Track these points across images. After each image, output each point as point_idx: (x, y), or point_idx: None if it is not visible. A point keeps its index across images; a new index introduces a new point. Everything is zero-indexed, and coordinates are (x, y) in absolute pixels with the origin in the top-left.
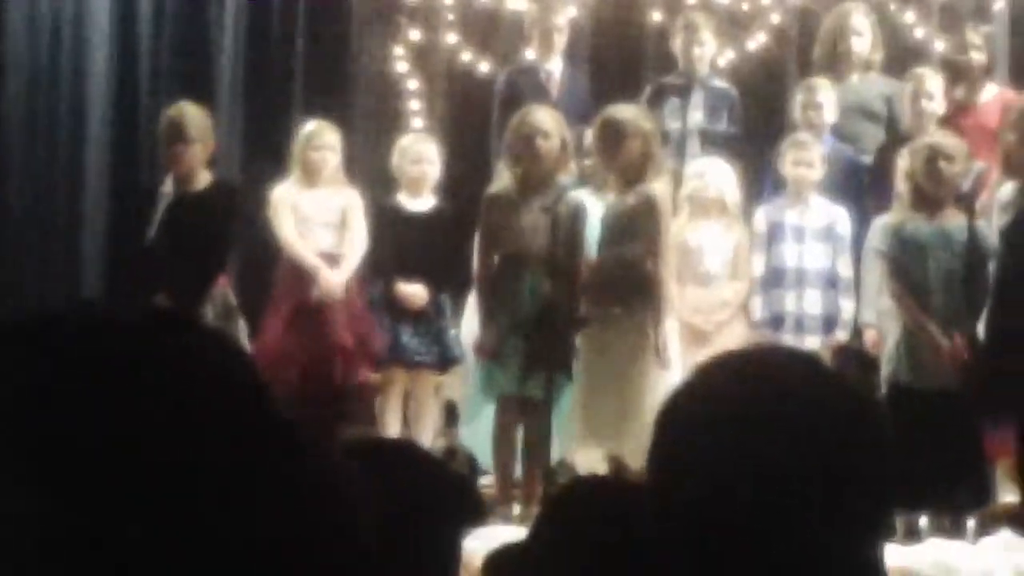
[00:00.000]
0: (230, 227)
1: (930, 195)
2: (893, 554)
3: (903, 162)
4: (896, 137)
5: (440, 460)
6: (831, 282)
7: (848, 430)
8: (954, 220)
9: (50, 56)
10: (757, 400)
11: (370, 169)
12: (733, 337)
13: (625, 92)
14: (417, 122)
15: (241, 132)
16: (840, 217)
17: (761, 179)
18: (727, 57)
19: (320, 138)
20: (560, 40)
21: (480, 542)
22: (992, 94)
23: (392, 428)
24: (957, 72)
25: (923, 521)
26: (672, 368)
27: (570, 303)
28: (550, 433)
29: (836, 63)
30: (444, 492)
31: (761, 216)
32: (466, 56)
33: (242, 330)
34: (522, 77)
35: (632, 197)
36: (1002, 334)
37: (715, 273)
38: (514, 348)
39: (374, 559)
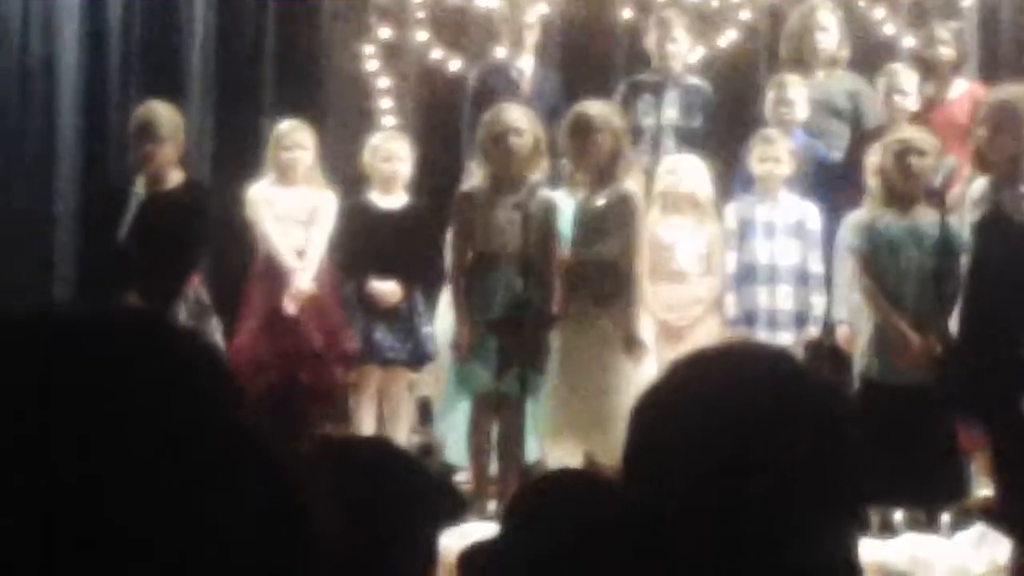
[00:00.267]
0: (202, 226)
1: (901, 191)
2: (868, 549)
3: (874, 158)
4: (862, 134)
5: (415, 457)
6: (803, 278)
7: (818, 425)
8: (925, 216)
9: (19, 55)
10: (730, 396)
11: (341, 167)
12: (706, 334)
13: (596, 89)
14: (388, 120)
15: (212, 131)
16: (810, 213)
17: (732, 176)
18: (698, 54)
19: (291, 137)
20: (531, 37)
21: (455, 539)
22: (962, 90)
23: (366, 426)
24: (926, 68)
25: (898, 516)
26: (646, 365)
27: (543, 300)
28: (524, 430)
29: (802, 59)
30: (421, 489)
31: (732, 213)
32: (436, 54)
33: (216, 329)
34: (493, 75)
35: (606, 195)
36: (974, 329)
37: (688, 269)
38: (488, 345)
39: (325, 560)
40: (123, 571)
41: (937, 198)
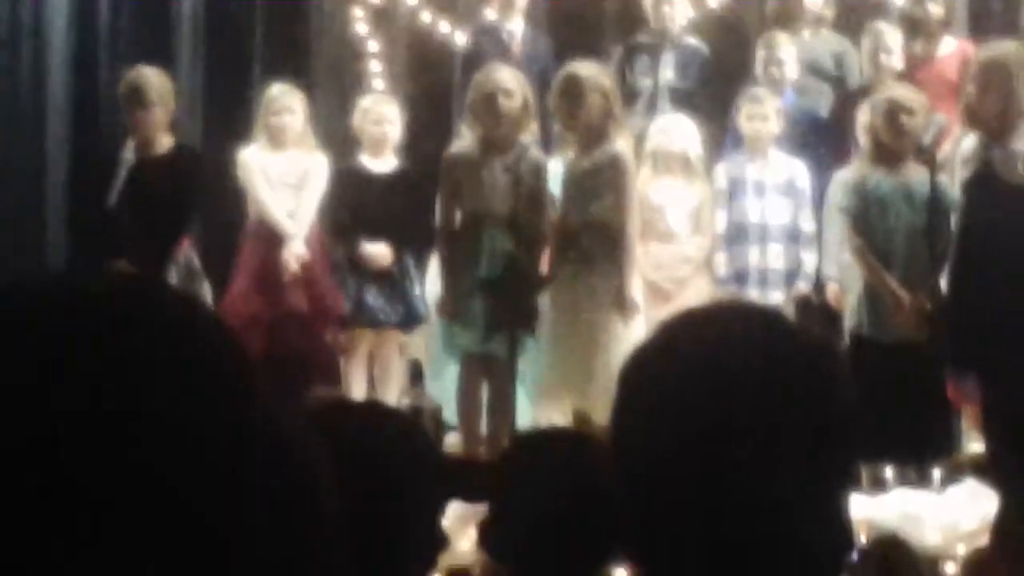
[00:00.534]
0: (193, 191)
1: (891, 149)
2: (859, 505)
3: (863, 116)
4: (847, 93)
5: (407, 421)
6: (793, 236)
7: (810, 383)
8: (915, 174)
9: (9, 22)
10: (720, 355)
11: (331, 130)
12: (697, 293)
13: (587, 51)
14: (378, 83)
15: (201, 96)
16: (800, 171)
17: (724, 136)
18: (687, 15)
19: (280, 102)
20: (521, 0)
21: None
22: (951, 47)
23: (358, 388)
24: (915, 25)
25: (889, 472)
26: (637, 324)
27: (533, 262)
28: (515, 391)
29: (788, 18)
30: (410, 456)
31: (721, 172)
32: (426, 17)
33: (206, 293)
34: (484, 37)
35: (596, 155)
36: (964, 287)
37: (678, 229)
38: (477, 307)
39: (336, 526)
40: (133, 551)
41: (927, 156)
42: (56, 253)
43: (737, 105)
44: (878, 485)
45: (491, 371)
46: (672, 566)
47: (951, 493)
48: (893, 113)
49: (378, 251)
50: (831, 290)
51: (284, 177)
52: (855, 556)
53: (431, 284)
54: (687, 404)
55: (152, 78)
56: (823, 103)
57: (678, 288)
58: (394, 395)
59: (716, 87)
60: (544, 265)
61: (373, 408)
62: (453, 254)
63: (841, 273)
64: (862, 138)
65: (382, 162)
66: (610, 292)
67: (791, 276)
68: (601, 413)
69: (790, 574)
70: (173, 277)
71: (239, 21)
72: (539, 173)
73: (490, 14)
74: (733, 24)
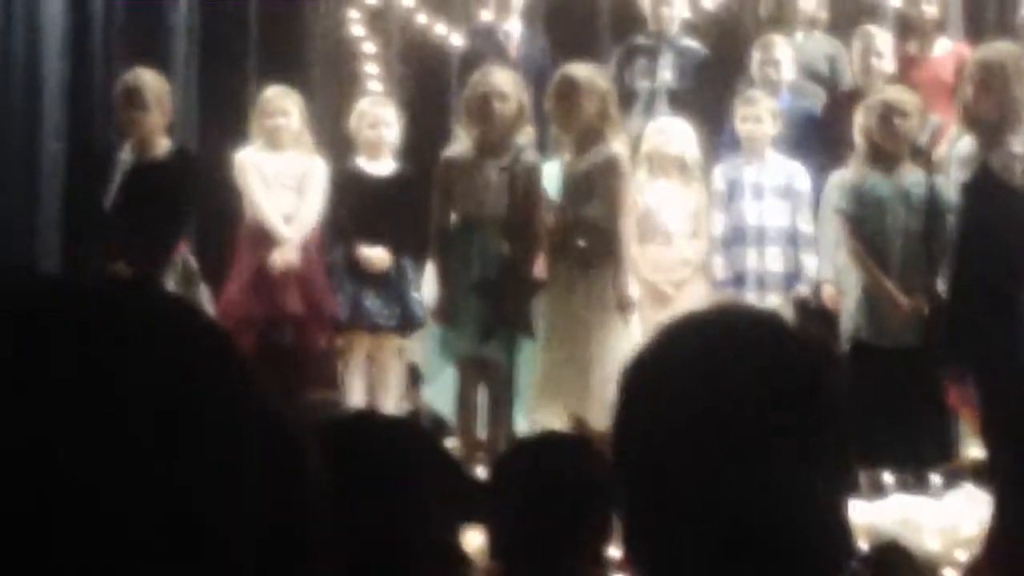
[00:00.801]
0: (189, 193)
1: (886, 151)
2: (858, 510)
3: (860, 118)
4: (838, 96)
5: (408, 424)
6: (791, 239)
7: (807, 386)
8: (912, 175)
9: (3, 23)
10: (718, 358)
11: (328, 133)
12: (695, 296)
13: (584, 53)
14: (374, 85)
15: (197, 98)
16: (797, 173)
17: (718, 138)
18: (683, 16)
19: (274, 104)
20: (517, 1)
21: None
22: (946, 48)
23: (356, 392)
24: (910, 26)
25: (887, 477)
26: (634, 328)
27: (527, 264)
28: (512, 394)
29: (782, 19)
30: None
31: (719, 174)
32: (422, 18)
33: (204, 295)
34: (480, 38)
35: (592, 157)
36: (963, 289)
37: (675, 231)
38: (472, 310)
39: (330, 526)
40: (131, 550)
41: (924, 157)
42: (52, 257)
43: (733, 107)
44: (877, 491)
45: (487, 375)
46: (672, 568)
47: (950, 498)
48: (887, 115)
49: (375, 254)
50: (826, 292)
51: (281, 178)
52: (854, 563)
53: (429, 287)
54: (686, 407)
55: (149, 80)
56: (819, 105)
57: (675, 291)
58: (393, 399)
59: (713, 89)
60: (539, 268)
61: (400, 424)
62: (447, 257)
63: (837, 275)
64: (857, 140)
65: (379, 165)
66: (605, 294)
67: (789, 279)
68: (597, 416)
69: (790, 575)
70: (170, 280)
71: (235, 22)
72: (534, 175)
73: (486, 15)
74: (729, 26)
